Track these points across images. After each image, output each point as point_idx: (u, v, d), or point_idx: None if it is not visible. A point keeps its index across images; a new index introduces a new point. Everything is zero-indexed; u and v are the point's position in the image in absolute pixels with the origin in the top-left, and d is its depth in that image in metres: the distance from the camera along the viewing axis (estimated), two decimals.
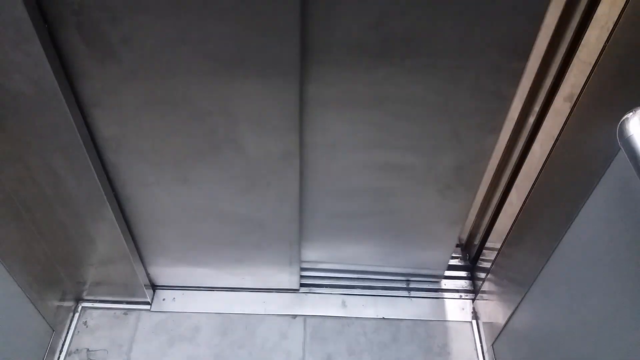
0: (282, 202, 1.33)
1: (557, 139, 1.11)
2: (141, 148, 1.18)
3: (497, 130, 1.16)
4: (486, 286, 1.58)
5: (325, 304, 1.66)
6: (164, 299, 1.67)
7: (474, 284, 1.72)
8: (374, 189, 1.34)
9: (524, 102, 1.28)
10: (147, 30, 0.94)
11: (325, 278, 1.72)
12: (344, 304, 1.66)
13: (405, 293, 1.69)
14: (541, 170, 1.18)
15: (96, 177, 1.18)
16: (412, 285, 1.71)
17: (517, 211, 1.32)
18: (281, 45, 0.96)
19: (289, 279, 1.64)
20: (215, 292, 1.69)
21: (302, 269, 1.69)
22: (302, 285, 1.69)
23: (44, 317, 1.44)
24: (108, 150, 1.18)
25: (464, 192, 1.34)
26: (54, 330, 1.51)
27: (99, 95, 1.05)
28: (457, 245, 1.80)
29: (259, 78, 1.02)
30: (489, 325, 1.54)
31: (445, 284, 1.72)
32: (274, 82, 1.03)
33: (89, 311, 1.64)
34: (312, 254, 1.62)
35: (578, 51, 1.04)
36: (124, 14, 0.91)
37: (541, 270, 1.15)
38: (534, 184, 1.22)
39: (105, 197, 1.24)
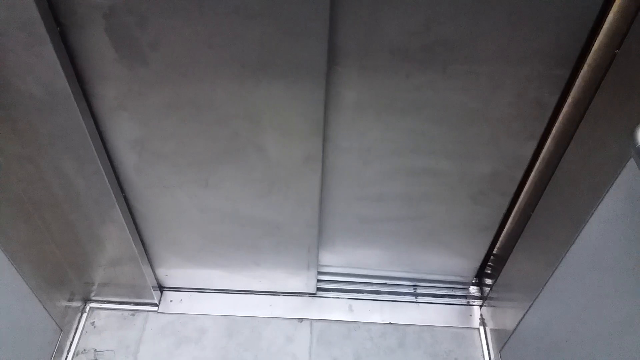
0: (302, 206, 1.33)
1: (567, 146, 1.10)
2: (164, 150, 1.19)
3: (535, 137, 1.16)
4: (494, 292, 1.57)
5: (335, 308, 1.66)
6: (171, 301, 1.67)
7: (481, 290, 1.71)
8: (406, 195, 1.34)
9: None
10: (175, 34, 0.95)
11: (337, 282, 1.71)
12: (350, 309, 1.66)
13: (412, 298, 1.69)
14: (551, 176, 1.17)
15: (106, 179, 1.19)
16: (419, 291, 1.70)
17: (526, 217, 1.31)
18: (308, 49, 0.96)
19: (306, 283, 1.64)
20: (222, 294, 1.69)
21: (321, 273, 1.69)
22: (320, 288, 1.70)
23: (52, 317, 1.45)
24: (132, 152, 1.19)
25: (497, 199, 1.33)
26: (62, 330, 1.52)
27: (125, 97, 1.06)
28: None
29: (284, 82, 1.03)
30: (497, 332, 1.53)
31: (454, 289, 1.71)
32: (299, 86, 1.03)
33: (96, 312, 1.65)
34: (330, 258, 1.62)
35: (589, 57, 1.03)
36: (153, 18, 0.92)
37: (550, 276, 1.14)
38: (543, 190, 1.21)
39: (114, 198, 1.24)
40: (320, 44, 0.96)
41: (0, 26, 0.90)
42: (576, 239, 1.03)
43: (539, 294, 1.20)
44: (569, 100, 1.12)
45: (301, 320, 1.63)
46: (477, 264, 1.60)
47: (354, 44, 0.98)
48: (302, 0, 0.89)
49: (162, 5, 0.90)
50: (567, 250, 1.06)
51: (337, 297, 1.68)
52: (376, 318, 1.64)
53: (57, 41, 0.94)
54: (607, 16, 0.97)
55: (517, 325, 1.33)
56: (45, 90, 1.00)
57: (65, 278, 1.52)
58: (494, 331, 1.55)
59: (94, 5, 0.90)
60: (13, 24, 0.89)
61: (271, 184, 1.26)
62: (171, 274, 1.63)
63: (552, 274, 1.13)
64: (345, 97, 1.09)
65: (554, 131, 1.20)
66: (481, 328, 1.62)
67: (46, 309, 1.41)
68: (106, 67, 1.00)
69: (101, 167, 1.16)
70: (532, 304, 1.24)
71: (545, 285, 1.17)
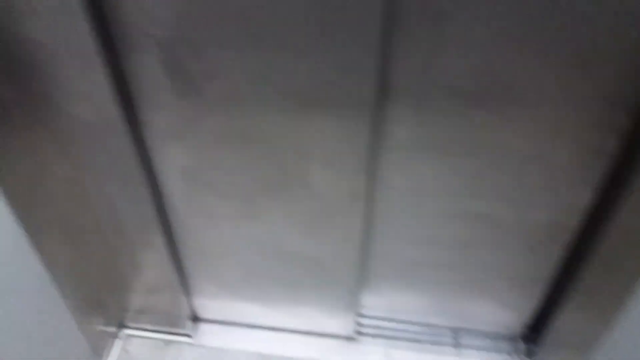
0: (345, 244, 1.30)
1: (624, 196, 1.05)
2: (211, 181, 1.19)
3: (593, 185, 1.11)
4: (542, 349, 1.49)
5: (371, 355, 1.60)
6: (205, 333, 1.65)
7: (528, 346, 1.62)
8: (456, 240, 1.30)
9: None
10: (228, 67, 0.96)
11: (377, 327, 1.66)
12: (388, 357, 1.59)
13: (454, 350, 1.61)
14: (607, 227, 1.11)
15: (151, 206, 1.20)
16: (462, 342, 1.63)
17: (580, 269, 1.25)
18: (357, 86, 0.96)
19: (344, 325, 1.59)
20: (257, 330, 1.66)
21: (359, 315, 1.64)
22: (357, 332, 1.64)
23: (88, 341, 1.45)
24: (180, 181, 1.20)
25: (552, 249, 1.27)
26: (95, 355, 1.51)
27: (176, 126, 1.08)
28: None
29: (332, 117, 1.02)
30: None
31: (499, 343, 1.63)
32: (347, 122, 1.03)
33: (130, 338, 1.64)
34: (371, 301, 1.58)
35: None
36: (207, 50, 0.94)
37: (604, 335, 1.08)
38: (598, 241, 1.15)
39: (158, 225, 1.25)
40: (370, 80, 0.95)
41: (55, 53, 0.93)
42: (632, 295, 0.97)
43: (590, 354, 1.13)
44: (629, 149, 1.07)
45: None
46: (525, 317, 1.52)
47: (407, 81, 0.97)
48: (353, 37, 0.89)
49: (217, 38, 0.91)
50: (623, 307, 1.00)
51: (375, 343, 1.62)
52: None
53: (111, 68, 0.96)
54: None
55: None
56: (97, 116, 1.02)
57: (103, 302, 1.53)
58: None
59: (149, 35, 0.92)
60: (68, 51, 0.92)
61: (315, 219, 1.25)
62: (207, 305, 1.62)
63: (607, 332, 1.06)
64: (397, 135, 1.07)
65: (611, 180, 1.15)
66: None
67: (82, 333, 1.41)
68: (159, 96, 1.02)
69: (147, 193, 1.17)
70: None
71: (598, 344, 1.10)
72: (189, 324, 1.61)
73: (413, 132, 1.06)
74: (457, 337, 1.64)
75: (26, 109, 1.04)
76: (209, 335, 1.65)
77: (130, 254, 1.37)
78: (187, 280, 1.52)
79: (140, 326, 1.65)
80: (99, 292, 1.49)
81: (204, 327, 1.67)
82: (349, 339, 1.63)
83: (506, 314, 1.52)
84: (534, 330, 1.58)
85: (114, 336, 1.63)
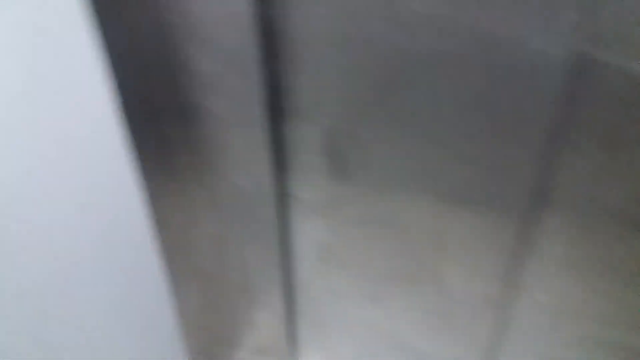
0: (468, 349, 1.25)
1: None
2: (345, 260, 1.21)
3: None
4: None
5: None
6: None
7: None
8: None
9: None
10: (384, 158, 0.99)
11: None
12: None
13: None
14: None
15: (280, 272, 1.23)
16: None
17: None
18: (511, 190, 0.94)
19: None
20: None
21: None
22: None
23: None
24: (313, 255, 1.24)
25: None
26: None
27: (320, 205, 1.12)
28: None
29: (478, 218, 1.01)
30: None
31: None
32: (493, 225, 1.01)
33: None
34: None
35: None
36: (368, 142, 0.98)
37: None
38: None
39: (282, 291, 1.28)
40: (526, 188, 0.92)
41: (227, 125, 1.00)
42: None
43: None
44: None
45: None
46: None
47: (567, 195, 0.92)
48: (516, 144, 0.88)
49: (378, 133, 0.95)
50: None
51: None
52: None
53: (273, 144, 1.02)
54: None
55: None
56: (251, 184, 1.09)
57: (214, 354, 1.57)
58: None
59: (315, 122, 0.98)
60: (238, 125, 0.99)
61: (440, 317, 1.21)
62: None
63: None
64: (546, 247, 1.02)
65: None
66: None
67: None
68: (311, 175, 1.06)
69: (279, 260, 1.21)
70: None
71: None
72: None
73: (564, 248, 1.00)
74: None
75: (192, 171, 1.13)
76: None
77: (248, 313, 1.40)
78: (297, 348, 1.52)
79: None
80: (213, 344, 1.54)
81: None
82: None
83: None
84: None
85: None
